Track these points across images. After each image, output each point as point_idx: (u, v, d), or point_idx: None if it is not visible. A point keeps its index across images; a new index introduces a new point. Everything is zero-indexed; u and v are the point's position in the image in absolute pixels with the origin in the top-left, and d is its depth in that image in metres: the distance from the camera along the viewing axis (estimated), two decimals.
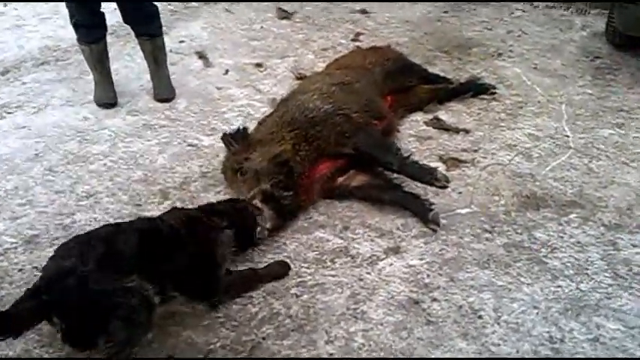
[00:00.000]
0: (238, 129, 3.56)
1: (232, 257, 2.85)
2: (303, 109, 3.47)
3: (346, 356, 2.54)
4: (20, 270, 2.96)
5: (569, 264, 2.99)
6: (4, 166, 3.73)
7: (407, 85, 4.27)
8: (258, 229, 2.94)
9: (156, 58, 4.51)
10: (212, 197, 3.44)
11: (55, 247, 2.56)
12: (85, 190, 3.53)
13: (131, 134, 4.09)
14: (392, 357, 2.53)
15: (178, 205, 3.31)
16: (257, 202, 3.04)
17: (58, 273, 2.29)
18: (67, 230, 3.21)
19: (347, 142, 3.40)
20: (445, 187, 3.28)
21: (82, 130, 4.12)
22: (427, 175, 3.28)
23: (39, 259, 2.96)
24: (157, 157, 3.85)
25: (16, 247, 3.11)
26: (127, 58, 5.16)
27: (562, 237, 3.16)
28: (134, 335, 2.38)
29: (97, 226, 2.74)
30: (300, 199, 3.25)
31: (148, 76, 4.76)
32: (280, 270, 2.96)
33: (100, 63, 4.37)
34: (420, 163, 3.38)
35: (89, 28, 4.22)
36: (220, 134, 3.77)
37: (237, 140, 3.49)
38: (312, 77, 4.07)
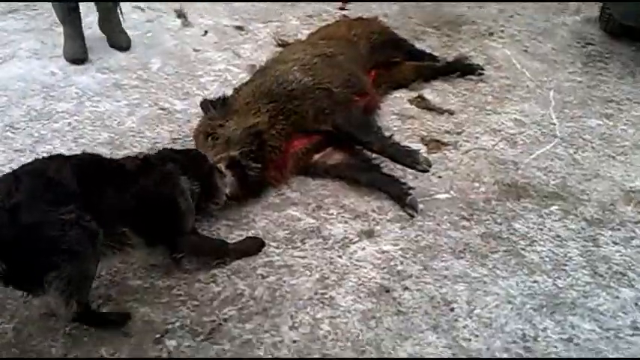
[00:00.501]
0: (220, 97, 3.35)
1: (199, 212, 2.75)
2: (281, 80, 3.30)
3: (310, 344, 2.42)
4: None
5: (547, 258, 2.89)
6: None
7: (392, 60, 4.10)
8: (218, 181, 2.80)
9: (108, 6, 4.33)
10: None
11: None
12: (46, 150, 3.33)
13: (99, 93, 3.88)
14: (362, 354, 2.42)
15: None
16: (221, 166, 2.89)
17: None
18: None
19: (326, 118, 3.24)
20: (426, 171, 3.15)
21: (47, 86, 3.90)
22: (408, 158, 3.14)
23: None
24: (126, 119, 3.66)
25: None
26: None
27: (542, 229, 3.06)
28: (81, 270, 2.24)
29: None
30: (269, 175, 3.10)
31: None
32: (252, 247, 2.84)
33: (70, 16, 4.12)
34: (402, 144, 3.24)
35: None
36: (195, 99, 3.59)
37: (215, 107, 3.30)
38: (294, 46, 3.88)
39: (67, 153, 3.19)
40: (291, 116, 3.18)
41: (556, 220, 3.12)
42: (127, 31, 4.53)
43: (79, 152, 3.23)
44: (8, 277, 2.18)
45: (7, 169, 3.08)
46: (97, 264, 2.34)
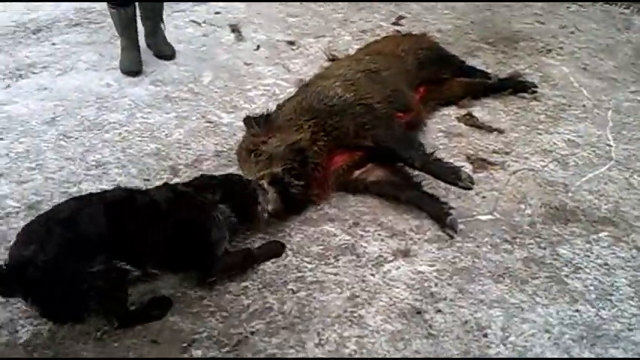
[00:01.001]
0: (262, 113, 3.37)
1: (233, 235, 2.78)
2: (322, 96, 3.29)
3: None
4: None
5: (592, 287, 2.75)
6: (19, 128, 3.67)
7: (441, 77, 4.03)
8: (258, 208, 2.80)
9: (155, 15, 4.48)
10: None
11: None
12: (95, 159, 3.44)
13: (151, 105, 3.98)
14: None
15: None
16: (264, 182, 2.90)
17: (19, 263, 2.20)
18: None
19: (366, 134, 3.21)
20: (469, 188, 3.06)
21: (102, 97, 4.03)
22: (450, 175, 3.06)
23: None
24: (174, 131, 3.74)
25: (17, 212, 3.04)
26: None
27: (588, 256, 2.91)
28: (112, 301, 2.35)
29: None
30: (310, 192, 3.09)
31: (180, 47, 4.68)
32: (275, 249, 2.86)
33: (127, 28, 4.28)
34: (444, 161, 3.17)
35: None
36: (242, 113, 3.63)
37: (259, 124, 3.31)
38: (339, 61, 3.87)
39: (115, 163, 3.34)
40: (332, 132, 3.16)
41: (605, 247, 2.97)
42: (183, 45, 4.67)
43: (127, 162, 3.36)
44: (45, 315, 2.34)
45: (57, 176, 3.28)
46: (126, 292, 2.41)
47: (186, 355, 2.39)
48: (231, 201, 2.68)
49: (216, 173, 3.28)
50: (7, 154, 3.43)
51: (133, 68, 4.30)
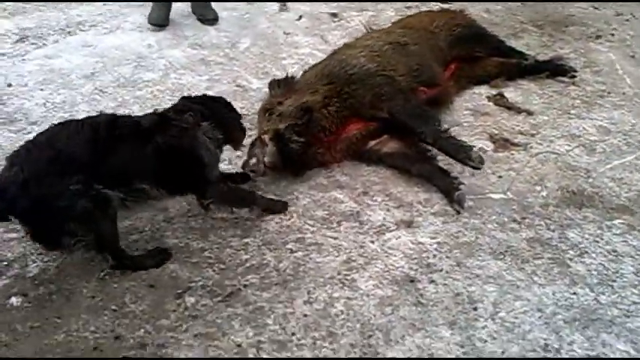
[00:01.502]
0: (286, 76, 3.45)
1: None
2: (344, 64, 3.33)
3: (320, 320, 2.43)
4: None
5: (595, 272, 2.69)
6: (59, 80, 3.87)
7: (475, 54, 3.97)
8: (253, 160, 2.89)
9: None
10: (245, 140, 3.39)
11: None
12: (124, 113, 3.58)
13: (186, 67, 4.11)
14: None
15: None
16: (266, 136, 2.98)
17: (4, 182, 2.34)
18: None
19: (382, 105, 3.22)
20: (478, 168, 3.05)
21: (141, 57, 4.19)
22: (461, 153, 3.05)
23: None
24: (203, 92, 3.83)
25: None
26: None
27: (597, 242, 2.84)
28: (99, 232, 2.45)
29: None
30: (313, 152, 3.14)
31: (224, 14, 4.78)
32: (278, 206, 2.94)
33: None
34: (458, 139, 3.14)
35: None
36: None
37: (281, 86, 3.39)
38: (371, 33, 3.86)
39: None
40: (347, 99, 3.19)
41: (617, 234, 2.89)
42: (227, 12, 4.80)
43: None
44: (35, 237, 2.47)
45: None
46: (113, 224, 2.51)
47: (179, 301, 2.50)
48: (215, 120, 2.74)
49: None
50: (44, 104, 3.63)
51: (159, 22, 4.51)
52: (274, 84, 3.42)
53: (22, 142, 3.17)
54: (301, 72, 3.58)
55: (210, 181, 2.70)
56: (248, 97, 3.82)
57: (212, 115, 2.75)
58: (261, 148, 2.91)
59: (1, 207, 2.33)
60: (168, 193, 2.66)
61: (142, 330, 2.37)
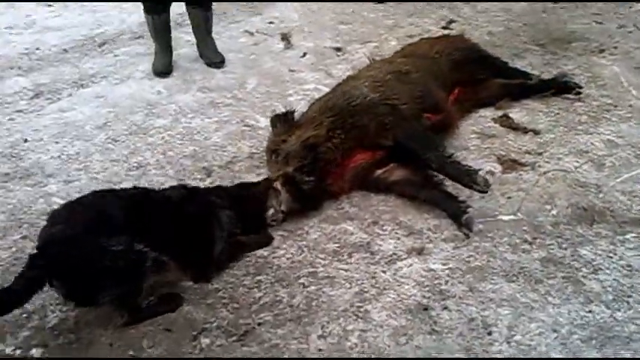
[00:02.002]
0: (286, 111, 3.52)
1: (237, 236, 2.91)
2: (347, 95, 3.38)
3: (335, 354, 2.44)
4: None
5: (610, 288, 2.67)
6: (73, 132, 3.98)
7: (477, 77, 3.99)
8: (271, 211, 2.96)
9: (204, 27, 4.76)
10: (254, 178, 3.46)
11: None
12: (137, 160, 3.68)
13: (195, 110, 4.20)
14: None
15: (219, 183, 3.37)
16: (277, 184, 3.03)
17: (47, 241, 2.44)
18: None
19: (387, 133, 3.26)
20: (484, 192, 3.06)
21: (151, 104, 4.30)
22: (466, 178, 3.07)
23: None
24: (212, 134, 3.93)
25: None
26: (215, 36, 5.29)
27: (611, 257, 2.82)
28: (130, 290, 2.54)
29: None
30: (324, 186, 3.18)
31: (230, 55, 4.90)
32: (263, 240, 3.01)
33: (160, 34, 4.65)
34: (463, 164, 3.16)
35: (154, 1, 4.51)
36: None
37: (282, 122, 3.46)
38: (374, 63, 3.92)
39: (154, 164, 3.57)
40: (351, 130, 3.23)
41: (630, 249, 2.87)
42: (233, 54, 4.91)
43: (166, 163, 3.58)
44: (69, 296, 2.54)
45: (100, 177, 3.53)
46: (144, 283, 2.59)
47: (195, 343, 2.53)
48: (238, 208, 2.89)
49: (247, 175, 3.48)
50: (60, 156, 3.73)
51: (163, 70, 4.66)
52: (275, 120, 3.49)
53: (38, 196, 3.35)
54: (307, 106, 3.65)
55: (211, 260, 2.81)
56: (256, 135, 3.89)
57: (238, 204, 2.91)
58: (276, 198, 2.98)
59: (41, 264, 2.39)
60: (179, 268, 2.74)
61: None
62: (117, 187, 3.43)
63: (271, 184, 3.03)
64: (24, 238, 3.11)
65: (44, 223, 3.09)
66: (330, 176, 3.19)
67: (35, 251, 2.45)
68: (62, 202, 3.31)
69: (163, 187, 3.09)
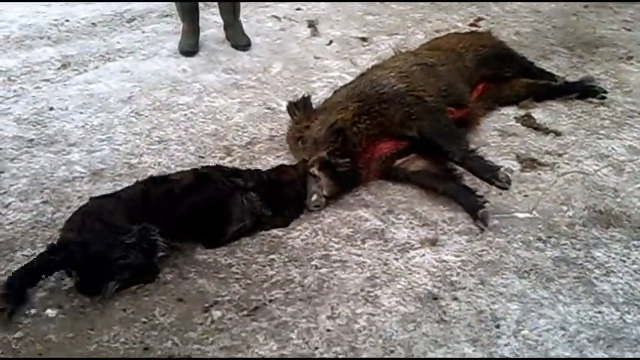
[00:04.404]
0: (303, 97, 3.54)
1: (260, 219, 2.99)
2: (375, 84, 3.40)
3: (342, 335, 2.47)
4: (79, 197, 3.19)
5: (621, 291, 2.66)
6: (98, 104, 4.05)
7: (502, 75, 3.99)
8: (314, 197, 3.02)
9: (232, 10, 4.81)
10: (272, 160, 3.52)
11: (117, 182, 3.14)
12: (159, 135, 3.73)
13: (219, 90, 4.25)
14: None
15: (238, 163, 3.42)
16: (314, 170, 3.07)
17: (63, 243, 2.63)
18: (131, 169, 3.42)
19: (412, 124, 3.27)
20: (505, 188, 3.06)
21: (176, 81, 4.35)
22: (488, 173, 3.08)
23: (98, 190, 3.19)
24: (234, 114, 3.97)
25: (82, 177, 3.37)
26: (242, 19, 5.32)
27: (624, 261, 2.82)
28: (138, 274, 2.68)
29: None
30: (358, 167, 3.20)
31: (257, 39, 4.93)
32: (279, 222, 3.06)
33: (188, 15, 4.71)
34: (485, 159, 3.17)
35: None
36: None
37: (299, 109, 3.49)
38: (400, 55, 3.94)
39: (176, 140, 3.61)
40: (376, 117, 3.24)
41: None
42: (260, 38, 4.94)
43: (187, 140, 3.62)
44: (81, 288, 2.65)
45: (122, 148, 3.59)
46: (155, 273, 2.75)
47: (206, 314, 2.56)
48: (267, 192, 2.97)
49: (266, 156, 3.51)
50: (83, 126, 3.79)
51: (189, 49, 4.73)
52: (292, 107, 3.52)
53: (61, 163, 3.41)
54: (331, 93, 3.67)
55: (223, 236, 2.91)
56: (277, 119, 3.92)
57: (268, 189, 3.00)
58: (316, 183, 3.01)
59: (60, 256, 2.56)
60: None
61: (170, 342, 2.44)
62: (137, 159, 3.50)
63: (307, 170, 3.05)
64: (45, 202, 3.17)
65: (65, 190, 3.22)
66: (360, 157, 3.21)
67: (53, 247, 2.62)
68: (84, 170, 3.41)
69: (195, 166, 3.20)
